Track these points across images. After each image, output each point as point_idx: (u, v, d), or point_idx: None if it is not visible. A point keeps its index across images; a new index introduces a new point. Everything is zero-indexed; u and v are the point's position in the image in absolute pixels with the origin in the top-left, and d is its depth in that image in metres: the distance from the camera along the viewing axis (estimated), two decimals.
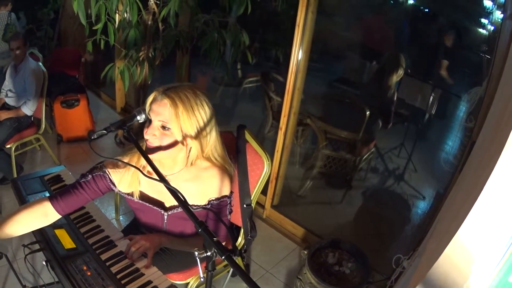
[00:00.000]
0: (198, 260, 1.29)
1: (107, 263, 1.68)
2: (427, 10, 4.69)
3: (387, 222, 3.86)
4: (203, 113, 1.67)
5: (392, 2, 5.15)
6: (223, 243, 1.65)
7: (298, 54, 3.14)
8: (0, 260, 1.66)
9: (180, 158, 1.77)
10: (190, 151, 1.74)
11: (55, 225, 1.81)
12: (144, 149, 1.68)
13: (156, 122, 1.64)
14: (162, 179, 1.43)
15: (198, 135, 1.69)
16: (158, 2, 3.71)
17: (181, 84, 1.70)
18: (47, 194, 2.05)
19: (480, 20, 3.72)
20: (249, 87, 6.11)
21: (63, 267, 1.60)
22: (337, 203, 4.11)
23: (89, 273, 1.59)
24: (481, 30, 3.81)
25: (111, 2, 3.39)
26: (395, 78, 3.79)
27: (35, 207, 1.69)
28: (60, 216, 1.74)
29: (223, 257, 1.18)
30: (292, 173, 4.30)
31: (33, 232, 1.80)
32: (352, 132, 3.92)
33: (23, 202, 1.98)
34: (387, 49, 4.57)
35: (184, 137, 1.66)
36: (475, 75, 3.61)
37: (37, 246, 1.79)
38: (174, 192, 1.37)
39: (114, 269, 1.65)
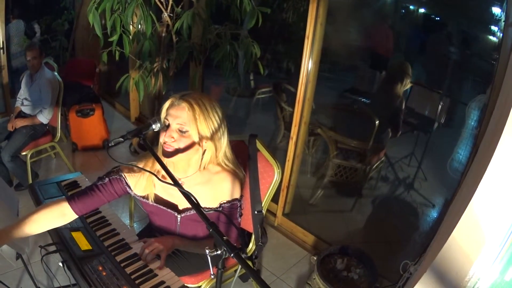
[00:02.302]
0: (209, 258, 1.34)
1: (122, 264, 1.74)
2: (438, 18, 4.70)
3: (396, 230, 3.86)
4: (217, 116, 1.78)
5: (403, 11, 5.17)
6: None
7: (308, 65, 3.20)
8: (15, 261, 1.72)
9: (194, 161, 1.85)
10: (204, 153, 1.83)
11: (72, 228, 1.88)
12: (160, 153, 1.79)
13: (174, 125, 1.73)
14: (175, 183, 1.50)
15: (213, 137, 1.78)
16: (171, 15, 3.80)
17: (194, 91, 1.81)
18: None
19: (490, 28, 3.73)
20: (262, 98, 6.17)
21: (79, 267, 1.66)
22: (347, 211, 4.12)
23: (104, 273, 1.65)
24: (490, 37, 3.82)
25: (126, 14, 3.48)
26: (404, 87, 3.81)
27: (53, 207, 1.77)
28: (76, 216, 1.82)
29: (232, 255, 1.24)
30: (304, 182, 4.34)
31: (50, 234, 1.87)
32: (362, 142, 3.95)
33: None
34: (396, 58, 4.59)
35: (201, 139, 1.76)
36: (485, 83, 3.62)
37: (53, 248, 1.84)
38: (187, 195, 1.44)
39: (128, 270, 1.71)
